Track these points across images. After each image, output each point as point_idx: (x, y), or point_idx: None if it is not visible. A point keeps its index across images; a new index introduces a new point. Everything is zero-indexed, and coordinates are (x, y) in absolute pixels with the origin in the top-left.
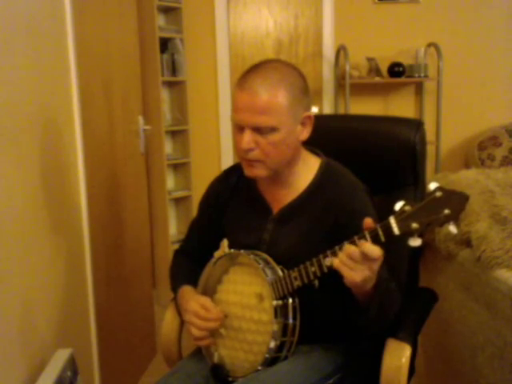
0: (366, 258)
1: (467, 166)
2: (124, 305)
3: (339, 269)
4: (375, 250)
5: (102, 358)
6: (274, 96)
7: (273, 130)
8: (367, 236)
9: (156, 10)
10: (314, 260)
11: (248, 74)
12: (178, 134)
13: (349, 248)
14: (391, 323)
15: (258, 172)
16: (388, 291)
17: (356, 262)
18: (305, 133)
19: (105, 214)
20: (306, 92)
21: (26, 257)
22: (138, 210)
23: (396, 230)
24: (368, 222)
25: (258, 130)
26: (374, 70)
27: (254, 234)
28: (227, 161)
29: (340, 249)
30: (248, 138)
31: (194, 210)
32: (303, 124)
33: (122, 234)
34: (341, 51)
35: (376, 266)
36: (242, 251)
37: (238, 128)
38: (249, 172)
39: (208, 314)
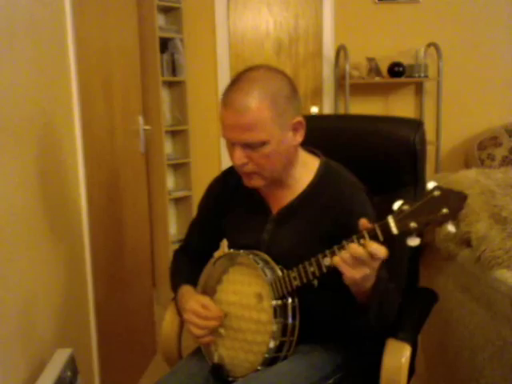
0: (373, 258)
1: (467, 166)
2: (124, 305)
3: (340, 267)
4: (382, 250)
5: (102, 358)
6: (258, 111)
7: (262, 143)
8: (366, 236)
9: (156, 9)
10: (313, 260)
11: (230, 89)
12: (178, 134)
13: (356, 250)
14: (391, 323)
15: (255, 182)
16: (387, 292)
17: (361, 262)
18: (298, 137)
19: (105, 214)
20: (292, 97)
21: (26, 257)
22: (138, 210)
23: (394, 230)
24: (364, 222)
25: (248, 145)
26: (374, 70)
27: (253, 234)
28: (227, 161)
29: (339, 249)
30: (239, 154)
31: (194, 210)
32: (295, 129)
33: (122, 234)
34: (341, 51)
35: (377, 264)
36: (241, 251)
37: (230, 143)
38: (247, 183)
39: (208, 312)
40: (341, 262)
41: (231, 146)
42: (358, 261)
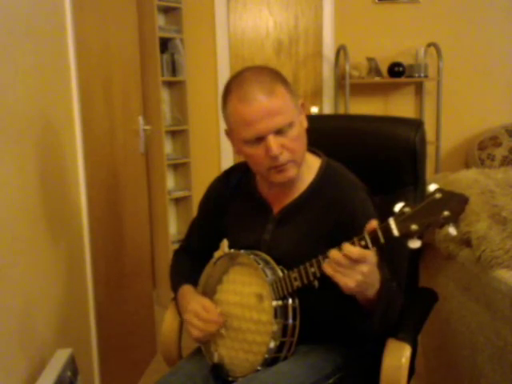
0: (350, 260)
1: (467, 166)
2: (124, 305)
3: (332, 276)
4: (354, 251)
5: (102, 358)
6: (280, 93)
7: (290, 125)
8: (367, 238)
9: (156, 9)
10: (314, 261)
11: (240, 87)
12: (178, 134)
13: (334, 254)
14: (393, 323)
15: (290, 174)
16: (391, 294)
17: (344, 266)
18: (304, 120)
19: (105, 214)
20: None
21: (26, 257)
22: (137, 210)
23: (396, 232)
24: (373, 224)
25: (279, 131)
26: (374, 70)
27: (254, 235)
28: (227, 161)
29: (340, 250)
30: (275, 143)
31: (194, 210)
32: (300, 112)
33: (122, 234)
34: (341, 51)
35: (365, 268)
36: (241, 251)
37: (254, 141)
38: (281, 177)
39: (209, 315)
40: (333, 272)
41: (256, 144)
42: (341, 265)
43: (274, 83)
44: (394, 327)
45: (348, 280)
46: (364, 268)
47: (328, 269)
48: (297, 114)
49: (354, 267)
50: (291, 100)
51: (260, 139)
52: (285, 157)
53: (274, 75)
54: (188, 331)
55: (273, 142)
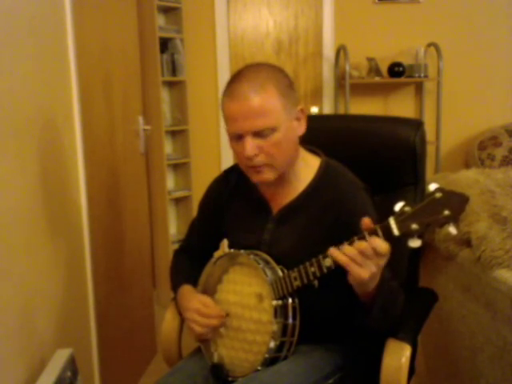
0: (376, 253)
1: (467, 165)
2: (124, 305)
3: (347, 266)
4: (384, 245)
5: (102, 358)
6: (266, 96)
7: (273, 130)
8: (367, 237)
9: (156, 9)
10: (314, 260)
11: (233, 82)
12: (178, 134)
13: (360, 244)
14: (397, 321)
15: (266, 176)
16: (391, 290)
17: (367, 257)
18: (302, 127)
19: (105, 214)
20: (292, 87)
21: (26, 257)
22: (138, 210)
23: (396, 231)
24: (367, 222)
25: (259, 133)
26: (374, 70)
27: (254, 235)
28: (227, 161)
29: (339, 249)
30: (250, 144)
31: (194, 210)
32: (298, 119)
33: (122, 234)
34: (341, 51)
35: (383, 262)
36: (242, 251)
37: (236, 138)
38: (257, 178)
39: (210, 310)
40: (349, 261)
41: (238, 140)
42: (365, 256)
43: (265, 84)
44: (397, 325)
45: (362, 271)
46: (382, 262)
47: (342, 258)
48: (286, 119)
49: (374, 259)
50: (281, 103)
51: (240, 137)
52: (260, 159)
53: (269, 75)
54: (190, 329)
55: (248, 142)
